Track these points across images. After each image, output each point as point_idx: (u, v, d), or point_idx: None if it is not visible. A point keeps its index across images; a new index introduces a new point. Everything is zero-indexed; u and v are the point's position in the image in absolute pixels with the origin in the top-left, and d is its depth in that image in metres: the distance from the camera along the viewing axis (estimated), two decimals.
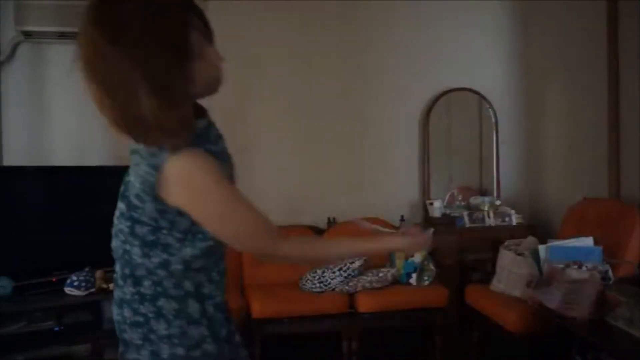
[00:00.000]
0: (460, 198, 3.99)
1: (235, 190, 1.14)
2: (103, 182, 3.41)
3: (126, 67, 0.99)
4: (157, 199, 1.08)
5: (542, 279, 2.68)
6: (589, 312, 2.28)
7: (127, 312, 1.19)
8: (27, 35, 3.38)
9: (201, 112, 1.16)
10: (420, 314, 3.20)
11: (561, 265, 2.60)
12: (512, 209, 3.78)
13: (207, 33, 1.12)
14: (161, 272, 1.13)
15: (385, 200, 3.91)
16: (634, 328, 2.08)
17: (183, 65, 1.03)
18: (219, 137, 1.21)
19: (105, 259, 3.57)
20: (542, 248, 2.91)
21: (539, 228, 3.69)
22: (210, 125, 1.19)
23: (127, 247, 1.18)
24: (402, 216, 3.90)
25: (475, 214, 3.72)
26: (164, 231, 1.11)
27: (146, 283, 1.15)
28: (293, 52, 3.85)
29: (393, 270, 3.35)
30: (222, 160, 1.17)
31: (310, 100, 3.89)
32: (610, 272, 2.57)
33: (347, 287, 3.20)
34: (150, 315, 1.14)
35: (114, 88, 1.03)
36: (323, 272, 3.28)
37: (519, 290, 2.87)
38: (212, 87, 1.12)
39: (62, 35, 3.40)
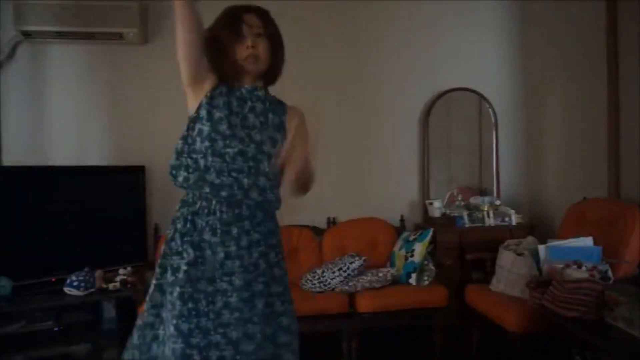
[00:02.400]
0: (460, 198, 3.99)
1: None
2: (103, 182, 3.45)
3: None
4: None
5: (541, 279, 2.68)
6: (588, 312, 2.28)
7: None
8: (27, 35, 3.38)
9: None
10: (420, 314, 3.19)
11: (561, 265, 2.60)
12: (512, 209, 3.78)
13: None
14: None
15: (385, 200, 3.92)
16: (633, 328, 2.08)
17: None
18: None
19: (105, 259, 3.59)
20: (541, 248, 2.91)
21: (538, 228, 3.69)
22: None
23: None
24: (402, 216, 3.90)
25: (475, 214, 3.72)
26: None
27: None
28: (293, 53, 3.84)
29: (393, 270, 3.35)
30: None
31: (310, 100, 3.88)
32: (610, 272, 2.57)
33: (346, 287, 3.20)
34: None
35: None
36: (323, 272, 3.28)
37: (519, 290, 2.87)
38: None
39: (61, 35, 3.41)
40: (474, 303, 3.15)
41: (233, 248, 1.51)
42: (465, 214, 3.72)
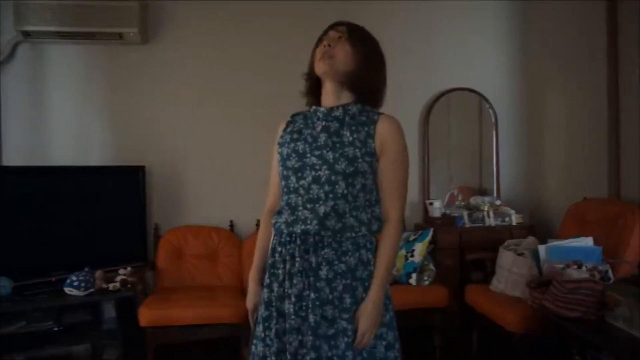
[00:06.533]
0: (460, 198, 3.99)
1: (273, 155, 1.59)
2: (103, 182, 3.45)
3: None
4: None
5: (542, 279, 2.68)
6: (588, 312, 2.28)
7: None
8: (27, 35, 3.38)
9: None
10: (420, 314, 3.19)
11: (561, 265, 2.60)
12: (512, 209, 3.77)
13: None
14: None
15: None
16: (634, 328, 2.08)
17: None
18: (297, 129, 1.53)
19: (105, 259, 3.59)
20: (542, 248, 2.90)
21: (539, 228, 3.69)
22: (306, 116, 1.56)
23: None
24: None
25: (475, 214, 3.72)
26: None
27: None
28: (292, 52, 3.84)
29: (393, 270, 3.34)
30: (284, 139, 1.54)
31: None
32: (610, 272, 2.57)
33: None
34: None
35: None
36: None
37: (519, 290, 2.87)
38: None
39: (61, 35, 3.41)
40: (474, 303, 3.15)
41: (311, 279, 1.40)
42: (465, 214, 3.72)
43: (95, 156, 3.60)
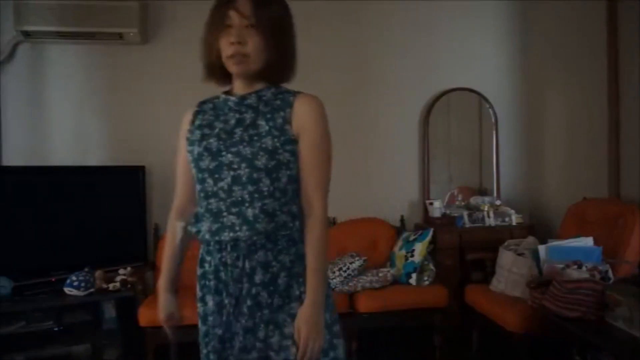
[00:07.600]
0: (460, 198, 3.99)
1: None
2: (103, 182, 3.45)
3: None
4: None
5: (542, 279, 2.68)
6: (588, 312, 2.28)
7: None
8: (27, 35, 3.38)
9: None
10: (420, 314, 3.19)
11: (561, 265, 2.60)
12: (512, 209, 3.77)
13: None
14: None
15: (385, 200, 3.91)
16: (634, 328, 2.08)
17: None
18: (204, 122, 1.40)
19: (105, 259, 3.59)
20: (542, 248, 2.91)
21: (539, 228, 3.69)
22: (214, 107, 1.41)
23: None
24: (402, 216, 3.90)
25: (475, 214, 3.72)
26: None
27: None
28: None
29: (393, 270, 3.34)
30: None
31: None
32: (610, 272, 2.57)
33: (346, 287, 3.20)
34: None
35: None
36: None
37: (519, 290, 2.87)
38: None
39: (61, 35, 3.41)
40: (474, 303, 3.15)
41: (246, 285, 1.30)
42: (465, 214, 3.72)
43: (95, 156, 3.60)
